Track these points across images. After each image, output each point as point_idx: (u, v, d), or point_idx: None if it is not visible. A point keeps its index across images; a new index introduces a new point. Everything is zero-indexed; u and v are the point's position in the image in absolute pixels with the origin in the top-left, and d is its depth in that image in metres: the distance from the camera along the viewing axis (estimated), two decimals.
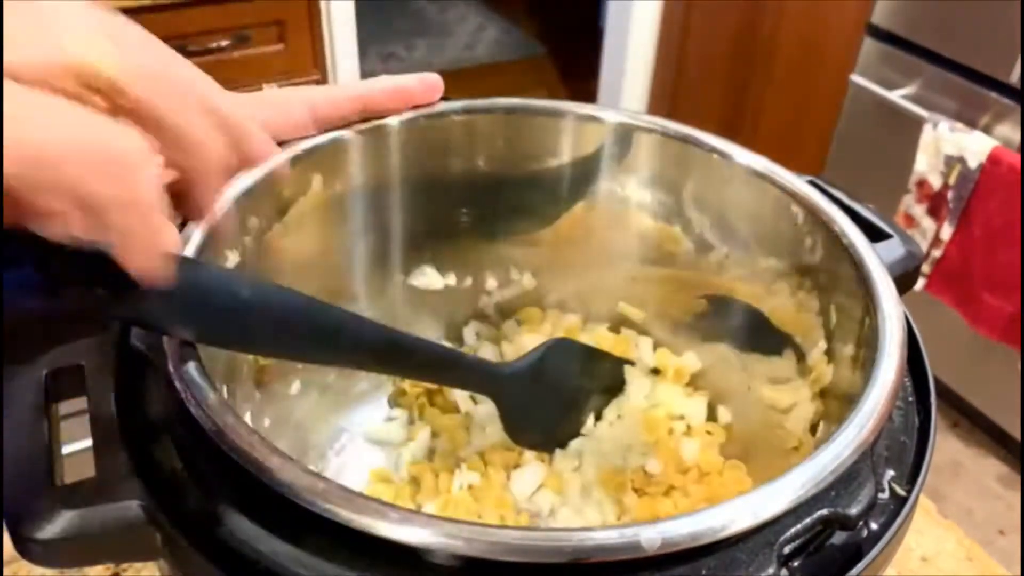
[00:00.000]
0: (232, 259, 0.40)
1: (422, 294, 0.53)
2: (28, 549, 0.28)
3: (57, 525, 0.28)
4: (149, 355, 0.32)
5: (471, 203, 0.51)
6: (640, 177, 0.48)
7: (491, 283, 0.54)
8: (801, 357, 0.43)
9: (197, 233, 0.36)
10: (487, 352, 0.54)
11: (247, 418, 0.42)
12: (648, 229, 0.50)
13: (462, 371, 0.43)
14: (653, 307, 0.53)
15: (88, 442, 0.31)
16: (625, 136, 0.47)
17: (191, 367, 0.30)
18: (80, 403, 0.33)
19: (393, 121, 0.45)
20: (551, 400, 0.48)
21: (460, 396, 0.52)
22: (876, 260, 0.37)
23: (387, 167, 0.47)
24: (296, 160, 0.42)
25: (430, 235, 0.51)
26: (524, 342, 0.53)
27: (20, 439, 0.31)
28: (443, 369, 0.42)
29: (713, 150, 0.44)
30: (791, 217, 0.42)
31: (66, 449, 0.32)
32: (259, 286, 0.32)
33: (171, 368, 0.30)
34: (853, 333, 0.37)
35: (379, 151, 0.46)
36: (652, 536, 0.26)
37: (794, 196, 0.42)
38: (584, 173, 0.49)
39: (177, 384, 0.30)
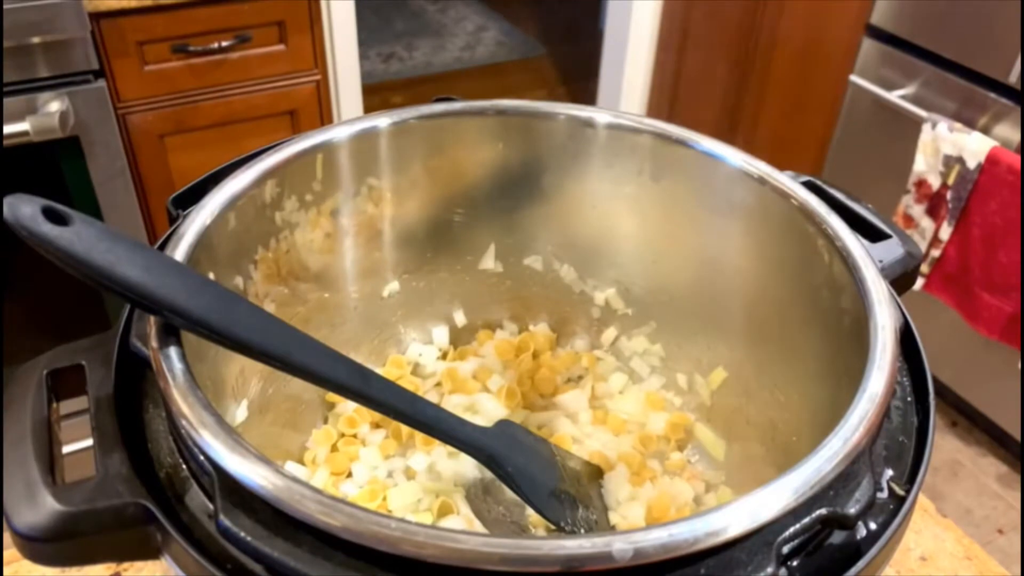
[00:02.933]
0: (223, 260, 0.40)
1: (413, 295, 0.53)
2: (29, 548, 0.28)
3: (58, 524, 0.28)
4: (149, 356, 0.32)
5: (464, 204, 0.51)
6: (634, 178, 0.48)
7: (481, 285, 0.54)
8: (792, 356, 0.44)
9: (189, 237, 0.36)
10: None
11: (243, 407, 0.42)
12: (643, 230, 0.50)
13: (450, 432, 0.39)
14: (645, 306, 0.53)
15: (88, 442, 0.31)
16: (619, 138, 0.47)
17: (179, 373, 0.30)
18: (80, 403, 0.33)
19: (383, 123, 0.45)
20: (541, 456, 0.44)
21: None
22: (873, 268, 0.37)
23: (378, 168, 0.47)
24: (287, 162, 0.42)
25: (422, 236, 0.51)
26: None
27: (20, 439, 0.31)
28: (437, 432, 0.39)
29: (707, 152, 0.44)
30: (787, 220, 0.42)
31: (66, 449, 0.33)
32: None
33: (162, 373, 0.30)
34: (846, 337, 0.37)
35: (370, 152, 0.46)
36: (629, 546, 0.26)
37: (790, 199, 0.42)
38: (577, 174, 0.49)
39: (163, 387, 0.30)
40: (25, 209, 0.26)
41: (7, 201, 0.26)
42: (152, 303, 0.30)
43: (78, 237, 0.27)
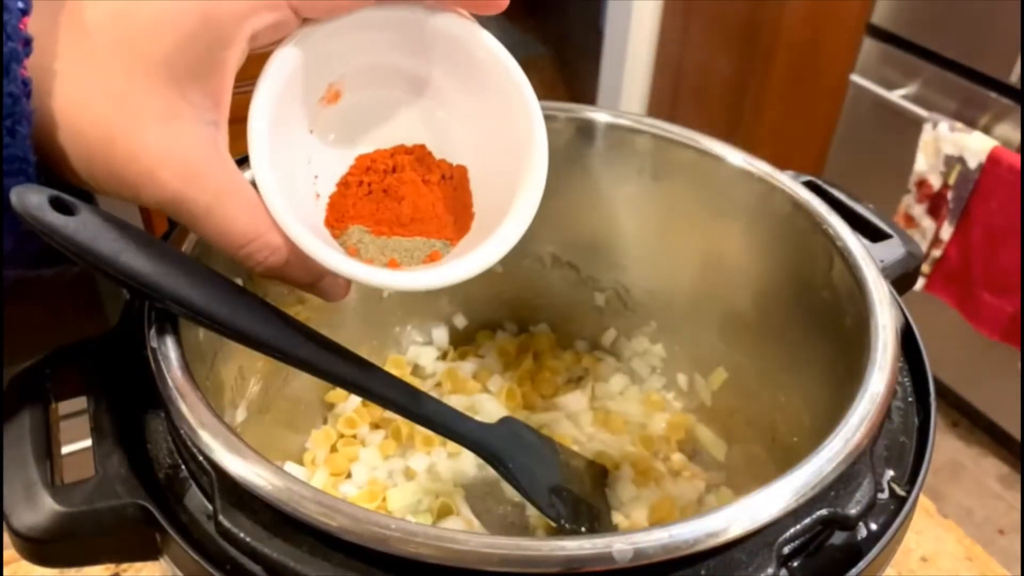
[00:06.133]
0: (223, 259, 0.40)
1: (413, 296, 0.53)
2: (28, 549, 0.28)
3: (57, 525, 0.28)
4: (147, 357, 0.32)
5: None
6: (634, 178, 0.48)
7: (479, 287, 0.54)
8: (793, 356, 0.44)
9: (188, 236, 0.36)
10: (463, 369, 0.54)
11: (242, 408, 0.42)
12: (644, 230, 0.50)
13: (451, 426, 0.39)
14: (646, 306, 0.53)
15: (87, 442, 0.31)
16: (619, 138, 0.47)
17: (178, 373, 0.30)
18: (80, 403, 0.33)
19: None
20: (544, 453, 0.44)
21: None
22: (873, 268, 0.37)
23: None
24: None
25: None
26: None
27: (20, 439, 0.31)
28: (438, 426, 0.38)
29: (707, 152, 0.44)
30: (788, 220, 0.42)
31: (66, 449, 0.32)
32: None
33: (161, 373, 0.31)
34: (847, 337, 0.37)
35: None
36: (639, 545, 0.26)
37: (791, 199, 0.42)
38: (578, 174, 0.49)
39: (161, 387, 0.30)
40: (33, 198, 0.27)
41: (15, 190, 0.27)
42: (155, 292, 0.30)
43: (84, 226, 0.28)
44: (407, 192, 0.35)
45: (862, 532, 0.30)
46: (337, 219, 0.34)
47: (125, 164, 0.28)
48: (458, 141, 0.36)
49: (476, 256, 0.32)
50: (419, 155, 0.36)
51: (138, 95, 0.28)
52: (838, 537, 0.29)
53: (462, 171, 0.36)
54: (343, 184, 0.35)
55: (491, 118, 0.35)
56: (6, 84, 0.25)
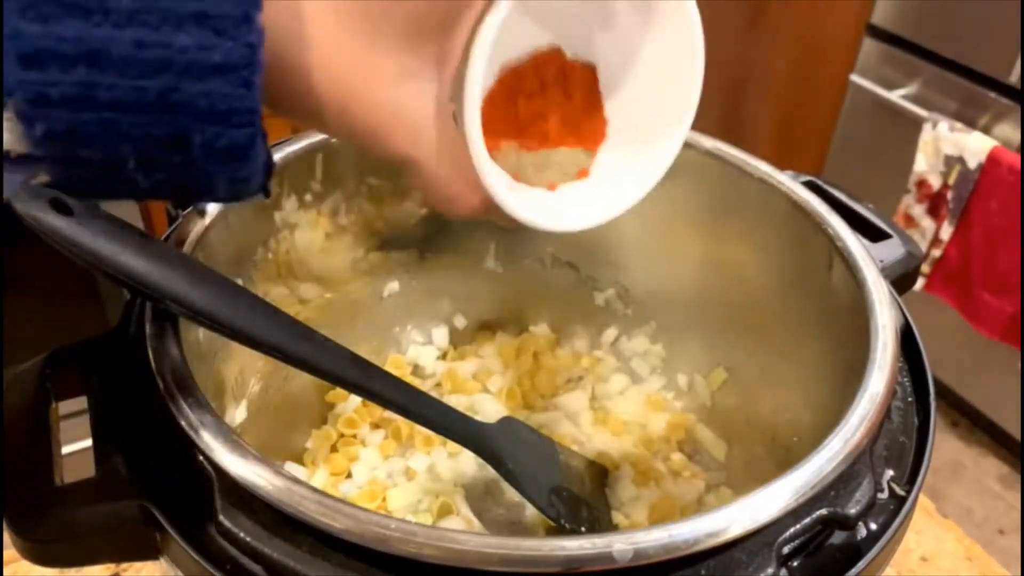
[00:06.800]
0: (223, 260, 0.40)
1: (413, 295, 0.53)
2: (28, 549, 0.28)
3: (57, 525, 0.28)
4: (148, 356, 0.32)
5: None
6: None
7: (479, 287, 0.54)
8: (793, 356, 0.44)
9: (187, 237, 0.37)
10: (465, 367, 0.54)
11: (242, 408, 0.42)
12: (643, 230, 0.50)
13: (451, 426, 0.39)
14: (646, 306, 0.53)
15: (88, 442, 0.31)
16: None
17: (178, 373, 0.31)
18: (80, 403, 0.33)
19: None
20: (544, 453, 0.44)
21: None
22: (873, 268, 0.37)
23: (378, 168, 0.47)
24: (287, 162, 0.42)
25: (422, 236, 0.51)
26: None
27: (20, 439, 0.31)
28: (438, 426, 0.38)
29: (707, 152, 0.44)
30: (788, 220, 0.42)
31: (66, 449, 0.32)
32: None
33: (161, 373, 0.31)
34: (847, 337, 0.37)
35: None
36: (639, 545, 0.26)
37: (791, 199, 0.42)
38: None
39: (161, 387, 0.30)
40: (33, 200, 0.27)
41: (16, 191, 0.26)
42: (155, 292, 0.30)
43: (84, 227, 0.28)
44: (553, 109, 0.35)
45: (862, 532, 0.30)
46: (489, 137, 0.34)
47: (358, 121, 0.29)
48: (592, 39, 0.35)
49: (648, 170, 0.34)
50: (559, 64, 0.35)
51: (378, 57, 0.28)
52: (838, 537, 0.29)
53: (592, 73, 0.36)
54: (490, 102, 0.34)
55: (635, 15, 0.34)
56: (245, 34, 0.25)
